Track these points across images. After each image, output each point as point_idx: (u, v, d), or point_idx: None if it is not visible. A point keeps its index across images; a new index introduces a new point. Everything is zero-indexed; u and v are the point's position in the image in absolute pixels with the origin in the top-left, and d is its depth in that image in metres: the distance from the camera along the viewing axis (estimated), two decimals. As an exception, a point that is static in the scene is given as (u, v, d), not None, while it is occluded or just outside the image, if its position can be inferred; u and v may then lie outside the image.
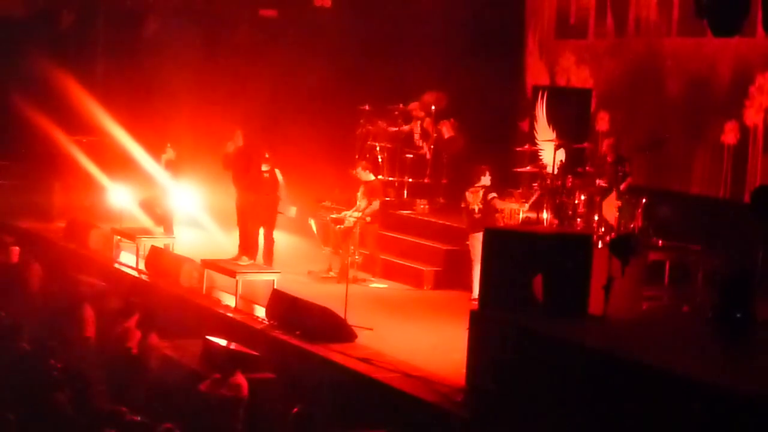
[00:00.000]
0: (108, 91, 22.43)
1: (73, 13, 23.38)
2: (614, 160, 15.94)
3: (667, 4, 17.87)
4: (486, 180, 16.52)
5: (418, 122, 20.20)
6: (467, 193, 16.51)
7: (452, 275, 17.15)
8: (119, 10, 23.43)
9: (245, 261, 16.51)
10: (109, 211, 20.25)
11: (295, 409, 11.18)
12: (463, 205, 16.65)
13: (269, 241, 17.28)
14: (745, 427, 8.67)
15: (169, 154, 18.86)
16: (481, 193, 16.39)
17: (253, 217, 17.01)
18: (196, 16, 22.96)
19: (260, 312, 14.94)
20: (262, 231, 17.24)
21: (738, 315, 11.24)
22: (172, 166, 18.76)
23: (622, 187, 15.46)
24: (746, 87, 16.54)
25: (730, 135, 16.76)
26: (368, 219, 17.60)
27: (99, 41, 23.44)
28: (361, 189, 17.87)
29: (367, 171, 18.11)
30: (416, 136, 20.18)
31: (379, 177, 19.13)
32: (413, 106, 20.26)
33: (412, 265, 17.79)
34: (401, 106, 20.38)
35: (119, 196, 20.02)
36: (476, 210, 16.34)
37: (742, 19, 11.11)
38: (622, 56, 18.80)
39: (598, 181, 15.85)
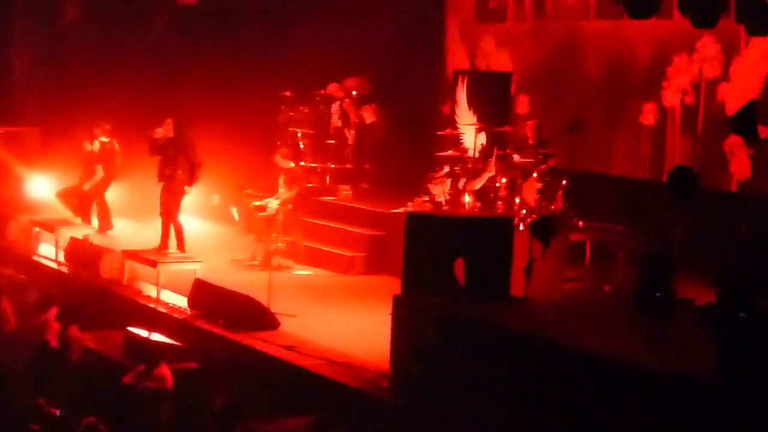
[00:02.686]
0: (25, 81, 22.15)
1: (-11, 2, 23.08)
2: (535, 143, 16.01)
3: (585, -12, 17.99)
4: (447, 168, 16.47)
5: (337, 103, 20.11)
6: (430, 185, 16.43)
7: (377, 261, 17.14)
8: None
9: (173, 251, 16.44)
10: (28, 203, 20.03)
11: (220, 399, 11.13)
12: (426, 198, 16.54)
13: (178, 225, 17.11)
14: (664, 405, 8.76)
15: (96, 145, 18.67)
16: (448, 182, 16.25)
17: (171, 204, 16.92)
18: (114, 4, 22.70)
19: (182, 302, 14.83)
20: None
21: (658, 294, 11.35)
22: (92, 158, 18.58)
23: (543, 169, 15.52)
24: (664, 69, 16.70)
25: (648, 116, 16.92)
26: (290, 206, 17.54)
27: (16, 29, 23.10)
28: (282, 177, 17.79)
29: (286, 158, 18.03)
30: (335, 117, 20.08)
31: (301, 163, 19.06)
32: (332, 87, 20.17)
33: (337, 252, 17.75)
34: (323, 92, 20.32)
35: (38, 187, 19.78)
36: (443, 201, 16.24)
37: (657, 2, 11.17)
38: (542, 39, 18.89)
39: (517, 163, 15.90)
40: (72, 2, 22.99)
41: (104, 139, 18.78)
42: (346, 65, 20.49)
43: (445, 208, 16.12)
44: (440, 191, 16.37)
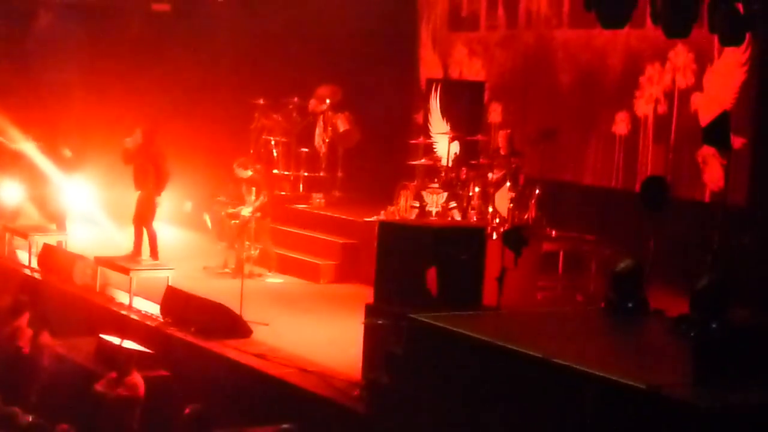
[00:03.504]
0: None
1: (-41, 7, 22.94)
2: (508, 153, 16.03)
3: (557, -4, 18.04)
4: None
5: (320, 116, 20.08)
6: (425, 193, 16.38)
7: (349, 269, 17.15)
8: (8, 3, 23.01)
9: (146, 259, 16.40)
10: (0, 208, 19.92)
11: (190, 407, 11.09)
12: (417, 204, 16.46)
13: (151, 233, 17.05)
14: (636, 416, 8.77)
15: (65, 152, 18.58)
16: (444, 195, 16.18)
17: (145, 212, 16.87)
18: (87, 10, 22.61)
19: (155, 309, 14.79)
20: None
21: (630, 304, 11.37)
22: (67, 164, 18.47)
23: (515, 179, 15.54)
24: (636, 78, 16.76)
25: (621, 125, 16.98)
26: (258, 214, 17.50)
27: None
28: (243, 186, 17.72)
29: (243, 167, 17.92)
30: (319, 131, 20.05)
31: (274, 171, 19.04)
32: (312, 103, 20.14)
33: (309, 260, 17.74)
34: (296, 99, 20.30)
35: (10, 193, 19.68)
36: (433, 213, 16.18)
37: (629, 11, 11.20)
38: (514, 48, 18.94)
39: (491, 174, 15.92)
40: (44, 8, 22.87)
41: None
42: (319, 73, 20.48)
43: (434, 218, 16.09)
44: (434, 201, 16.27)
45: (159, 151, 16.92)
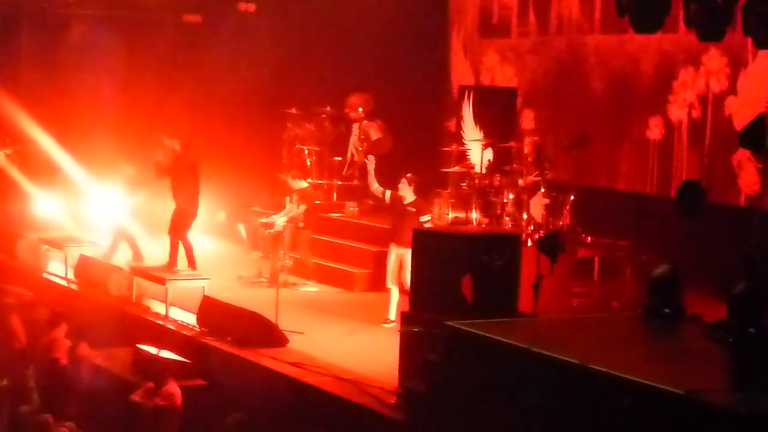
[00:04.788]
0: (32, 99, 22.16)
1: (-5, 21, 23.13)
2: (536, 159, 16.00)
3: (588, 2, 18.01)
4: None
5: (353, 125, 20.10)
6: (438, 201, 16.34)
7: (383, 277, 17.10)
8: (42, 16, 23.17)
9: (183, 269, 16.47)
10: (36, 221, 20.06)
11: (229, 417, 11.14)
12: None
13: (187, 244, 17.10)
14: (674, 423, 8.74)
15: (126, 169, 18.43)
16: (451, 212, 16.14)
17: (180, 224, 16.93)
18: (119, 22, 22.76)
19: (191, 319, 14.84)
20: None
21: (667, 310, 11.33)
22: (130, 182, 18.43)
23: (544, 185, 15.49)
24: (669, 82, 16.70)
25: (655, 130, 16.92)
26: (301, 224, 17.53)
27: (22, 49, 23.14)
28: (295, 197, 17.73)
29: (298, 179, 18.00)
30: (353, 139, 20.07)
31: (309, 180, 19.09)
32: (348, 111, 20.14)
33: (343, 268, 17.77)
34: (328, 108, 20.34)
35: (46, 205, 19.80)
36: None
37: (663, 16, 11.14)
38: (546, 54, 18.91)
39: (520, 180, 15.89)
40: (77, 21, 23.02)
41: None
42: (351, 82, 20.51)
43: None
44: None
45: (194, 163, 16.99)
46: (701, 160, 16.25)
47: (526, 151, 16.31)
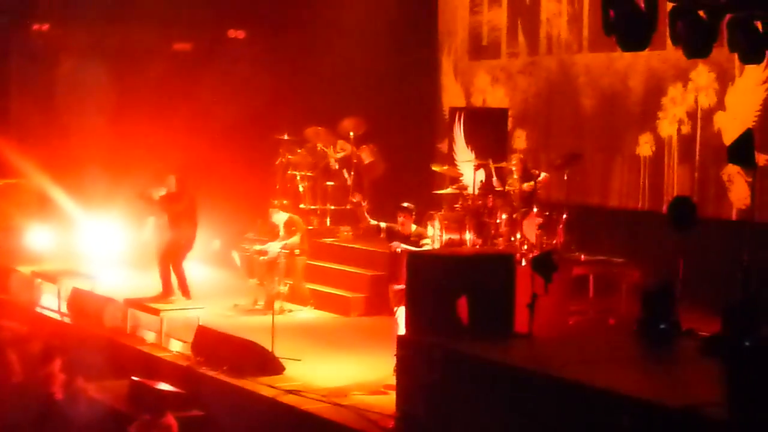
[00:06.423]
0: (22, 131, 22.16)
1: (-17, 52, 23.14)
2: (521, 177, 16.01)
3: (577, 22, 18.08)
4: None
5: (335, 148, 20.12)
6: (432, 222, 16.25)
7: (378, 301, 17.06)
8: (31, 47, 23.19)
9: (178, 299, 16.44)
10: (29, 254, 20.02)
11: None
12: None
13: (180, 274, 17.08)
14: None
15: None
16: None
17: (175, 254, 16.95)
18: (109, 53, 22.77)
19: (186, 349, 14.80)
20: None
21: (662, 326, 11.34)
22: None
23: (537, 203, 15.48)
24: (659, 99, 16.77)
25: (645, 147, 16.96)
26: (297, 251, 17.51)
27: (11, 80, 23.15)
28: (280, 227, 17.72)
29: (277, 210, 17.92)
30: (332, 161, 20.08)
31: (301, 206, 19.06)
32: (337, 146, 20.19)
33: (339, 293, 17.75)
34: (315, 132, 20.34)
35: (39, 238, 19.76)
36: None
37: (649, 34, 11.18)
38: (536, 74, 18.98)
39: (512, 200, 15.90)
40: (66, 52, 23.03)
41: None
42: (341, 106, 20.53)
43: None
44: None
45: (192, 197, 17.03)
46: (692, 175, 16.30)
47: (513, 169, 16.30)
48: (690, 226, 11.47)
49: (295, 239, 17.55)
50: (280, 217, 17.82)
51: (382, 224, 14.65)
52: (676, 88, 16.51)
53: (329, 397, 12.46)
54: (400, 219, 14.39)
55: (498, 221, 15.87)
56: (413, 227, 14.47)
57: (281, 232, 17.67)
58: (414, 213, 14.61)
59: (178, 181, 17.03)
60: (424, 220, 16.68)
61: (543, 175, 15.95)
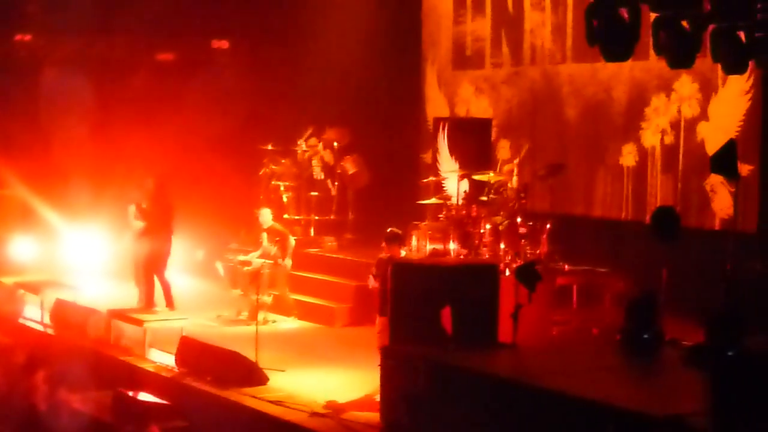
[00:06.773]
0: (5, 142, 22.10)
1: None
2: (513, 187, 16.03)
3: (560, 32, 18.13)
4: None
5: (317, 156, 20.11)
6: (416, 233, 16.22)
7: (363, 312, 17.07)
8: (14, 59, 23.14)
9: (161, 309, 16.40)
10: (12, 264, 19.96)
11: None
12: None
13: (165, 283, 17.06)
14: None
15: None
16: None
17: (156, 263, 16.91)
18: (92, 63, 22.74)
19: (170, 360, 14.76)
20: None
21: (646, 335, 11.36)
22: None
23: (521, 213, 15.49)
24: (642, 109, 16.81)
25: (628, 157, 17.00)
26: (281, 261, 17.44)
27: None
28: (265, 235, 17.66)
29: (264, 207, 17.93)
30: (316, 170, 20.08)
31: (285, 216, 19.03)
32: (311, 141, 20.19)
33: (323, 303, 17.73)
34: (299, 142, 20.34)
35: (22, 249, 19.70)
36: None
37: (632, 44, 11.22)
38: (520, 84, 19.01)
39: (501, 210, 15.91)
40: (49, 64, 22.99)
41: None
42: (325, 116, 20.53)
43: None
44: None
45: (169, 201, 16.96)
46: (675, 185, 16.34)
47: (508, 179, 16.29)
48: (673, 236, 11.48)
49: (276, 249, 17.47)
50: (266, 217, 17.77)
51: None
52: (660, 99, 16.55)
53: (313, 407, 12.44)
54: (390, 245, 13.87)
55: (482, 231, 15.87)
56: (402, 253, 14.39)
57: (264, 242, 17.62)
58: (399, 239, 14.16)
59: (156, 185, 16.98)
60: (409, 231, 16.70)
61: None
